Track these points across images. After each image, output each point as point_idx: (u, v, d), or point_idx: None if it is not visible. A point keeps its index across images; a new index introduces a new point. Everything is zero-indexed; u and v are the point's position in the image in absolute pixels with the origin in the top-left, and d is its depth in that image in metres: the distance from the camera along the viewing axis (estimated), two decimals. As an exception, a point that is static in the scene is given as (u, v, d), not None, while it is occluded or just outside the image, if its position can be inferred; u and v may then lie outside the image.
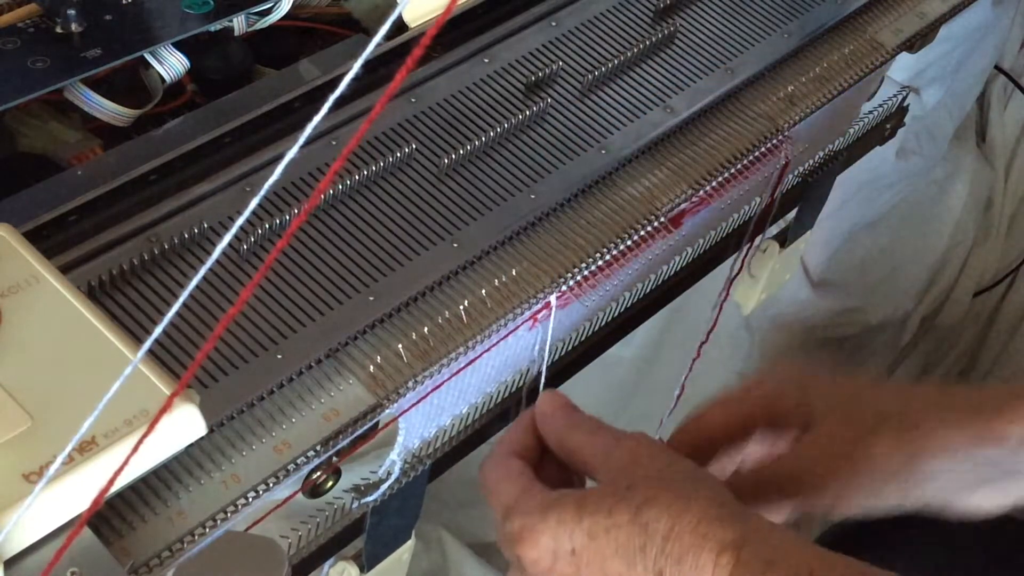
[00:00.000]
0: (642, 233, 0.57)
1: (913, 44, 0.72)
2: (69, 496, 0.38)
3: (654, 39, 0.64)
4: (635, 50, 0.63)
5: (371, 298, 0.51)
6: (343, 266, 0.52)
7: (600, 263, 0.56)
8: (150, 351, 0.35)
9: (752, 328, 1.23)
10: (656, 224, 0.58)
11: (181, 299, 0.32)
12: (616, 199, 0.58)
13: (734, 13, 0.68)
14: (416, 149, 0.57)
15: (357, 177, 0.55)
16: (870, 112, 0.81)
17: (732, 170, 0.62)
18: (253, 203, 0.30)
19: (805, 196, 0.80)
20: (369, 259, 0.52)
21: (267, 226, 0.52)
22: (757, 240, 0.78)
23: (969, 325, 1.47)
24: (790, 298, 1.21)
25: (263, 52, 0.63)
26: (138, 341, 0.44)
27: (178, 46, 0.58)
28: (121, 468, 0.35)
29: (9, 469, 0.37)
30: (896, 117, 0.85)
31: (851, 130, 0.78)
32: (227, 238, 0.30)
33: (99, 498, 0.34)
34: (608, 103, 0.61)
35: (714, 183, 0.61)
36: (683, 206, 0.60)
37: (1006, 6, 1.15)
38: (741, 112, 0.64)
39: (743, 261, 0.80)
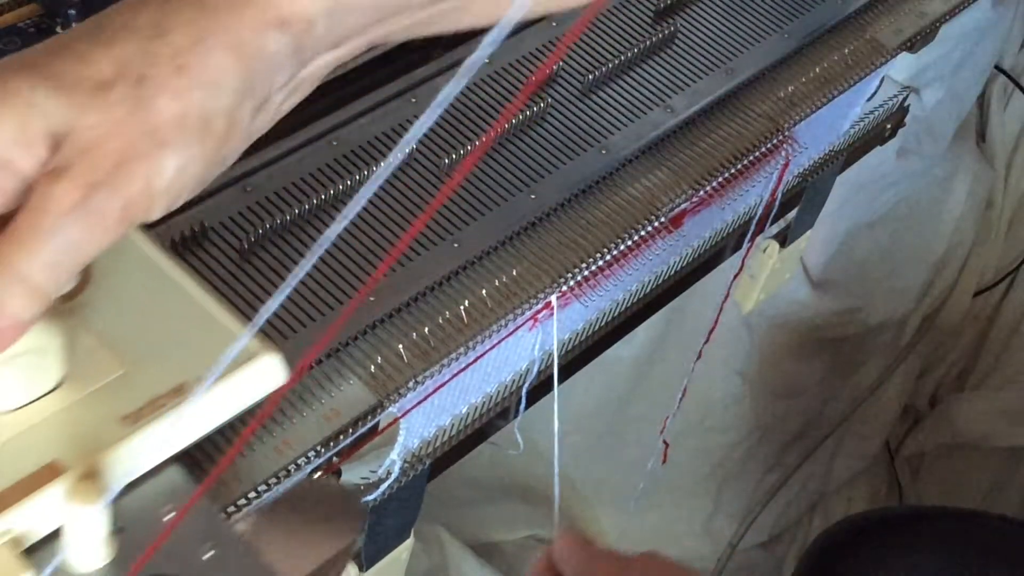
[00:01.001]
0: (642, 233, 0.57)
1: (913, 44, 0.72)
2: (163, 438, 0.40)
3: (654, 39, 0.64)
4: (635, 50, 0.63)
5: (371, 298, 0.51)
6: (343, 266, 0.52)
7: (600, 263, 0.56)
8: (230, 303, 0.42)
9: (752, 328, 1.23)
10: (656, 224, 0.58)
11: (305, 266, 0.34)
12: (616, 199, 0.58)
13: (734, 13, 0.68)
14: (416, 149, 0.57)
15: (357, 177, 0.55)
16: (871, 112, 0.81)
17: (732, 170, 0.62)
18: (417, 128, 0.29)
19: (805, 196, 0.80)
20: (369, 259, 0.52)
21: (267, 226, 0.52)
22: (757, 240, 0.78)
23: (969, 325, 1.47)
24: (790, 298, 1.21)
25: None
26: (217, 292, 0.46)
27: (178, 46, 0.58)
28: (205, 416, 0.39)
29: (106, 413, 0.40)
30: (896, 117, 0.85)
31: (852, 130, 0.78)
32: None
33: (194, 438, 0.38)
34: (608, 103, 0.61)
35: (714, 183, 0.61)
36: (683, 206, 0.60)
37: (1006, 6, 1.15)
38: (741, 112, 0.64)
39: (743, 261, 0.80)
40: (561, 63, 0.62)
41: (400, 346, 0.50)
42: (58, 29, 0.56)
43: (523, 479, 1.29)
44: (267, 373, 0.42)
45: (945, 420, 1.49)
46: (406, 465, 0.56)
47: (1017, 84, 1.26)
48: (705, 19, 0.67)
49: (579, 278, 0.55)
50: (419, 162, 0.57)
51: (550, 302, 0.56)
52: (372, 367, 0.49)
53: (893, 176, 1.18)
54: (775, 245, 0.84)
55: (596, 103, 0.61)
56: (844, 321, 1.29)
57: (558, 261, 0.55)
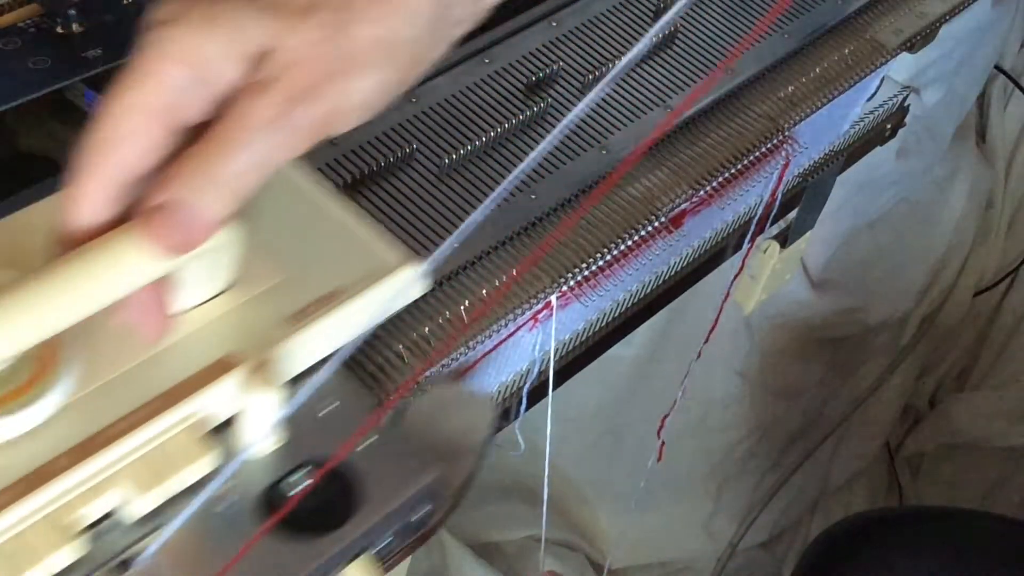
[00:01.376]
0: (642, 233, 0.57)
1: (913, 44, 0.72)
2: (323, 337, 0.44)
3: (654, 39, 0.64)
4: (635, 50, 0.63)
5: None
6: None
7: (600, 263, 0.56)
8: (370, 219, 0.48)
9: (752, 328, 1.23)
10: (656, 224, 0.58)
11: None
12: (616, 199, 0.58)
13: (734, 13, 0.68)
14: (416, 149, 0.57)
15: (359, 176, 0.55)
16: (871, 112, 0.81)
17: (732, 170, 0.62)
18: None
19: (805, 196, 0.80)
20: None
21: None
22: (758, 240, 0.78)
23: (969, 325, 1.47)
24: (790, 298, 1.21)
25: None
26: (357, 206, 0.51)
27: (179, 46, 0.58)
28: (358, 319, 0.44)
29: (272, 313, 0.44)
30: (896, 117, 0.85)
31: (852, 130, 0.78)
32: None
33: (349, 338, 0.43)
34: (608, 103, 0.61)
35: (714, 183, 0.61)
36: (683, 206, 0.60)
37: (1006, 6, 1.15)
38: (742, 112, 0.64)
39: (743, 261, 0.80)
40: (561, 63, 0.62)
41: (400, 346, 0.50)
42: (58, 29, 0.56)
43: (523, 479, 1.29)
44: (409, 283, 0.47)
45: (945, 420, 1.49)
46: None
47: (1017, 84, 1.27)
48: (705, 19, 0.67)
49: (579, 278, 0.55)
50: (419, 161, 0.57)
51: (550, 302, 0.56)
52: (372, 367, 0.49)
53: (893, 176, 1.18)
54: (775, 245, 0.84)
55: (596, 103, 0.61)
56: (844, 321, 1.29)
57: (558, 261, 0.55)
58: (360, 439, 0.43)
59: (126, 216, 0.37)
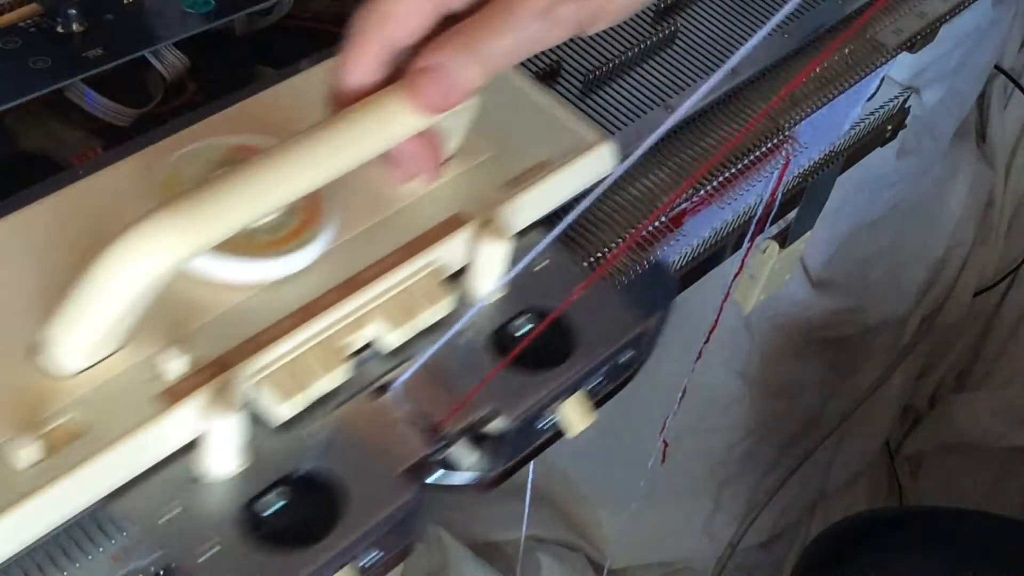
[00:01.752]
0: (643, 233, 0.57)
1: (913, 44, 0.72)
2: (535, 201, 0.51)
3: (655, 39, 0.64)
4: (636, 50, 0.63)
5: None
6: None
7: (601, 262, 0.56)
8: (573, 107, 0.57)
9: (752, 328, 1.23)
10: (656, 224, 0.58)
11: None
12: (617, 199, 0.58)
13: (734, 13, 0.68)
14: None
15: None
16: (871, 113, 0.81)
17: (732, 170, 0.62)
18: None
19: (805, 196, 0.80)
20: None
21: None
22: (757, 240, 0.78)
23: (969, 325, 1.47)
24: (790, 298, 1.21)
25: (264, 52, 0.63)
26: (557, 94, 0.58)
27: (179, 46, 0.58)
28: (561, 190, 0.52)
29: (491, 180, 0.51)
30: (897, 118, 0.85)
31: (852, 131, 0.78)
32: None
33: (555, 205, 0.52)
34: (609, 103, 0.61)
35: (714, 183, 0.61)
36: (683, 206, 0.60)
37: (1006, 6, 1.15)
38: (742, 112, 0.64)
39: (743, 261, 0.81)
40: (561, 63, 0.62)
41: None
42: (59, 29, 0.56)
43: (523, 479, 1.29)
44: (602, 160, 0.53)
45: (945, 420, 1.49)
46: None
47: (1017, 84, 1.27)
48: (705, 19, 0.67)
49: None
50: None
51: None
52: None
53: (893, 176, 1.18)
54: (775, 245, 0.84)
55: (597, 103, 0.61)
56: (844, 321, 1.29)
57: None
58: (577, 291, 0.49)
59: (389, 81, 0.43)
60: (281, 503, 0.42)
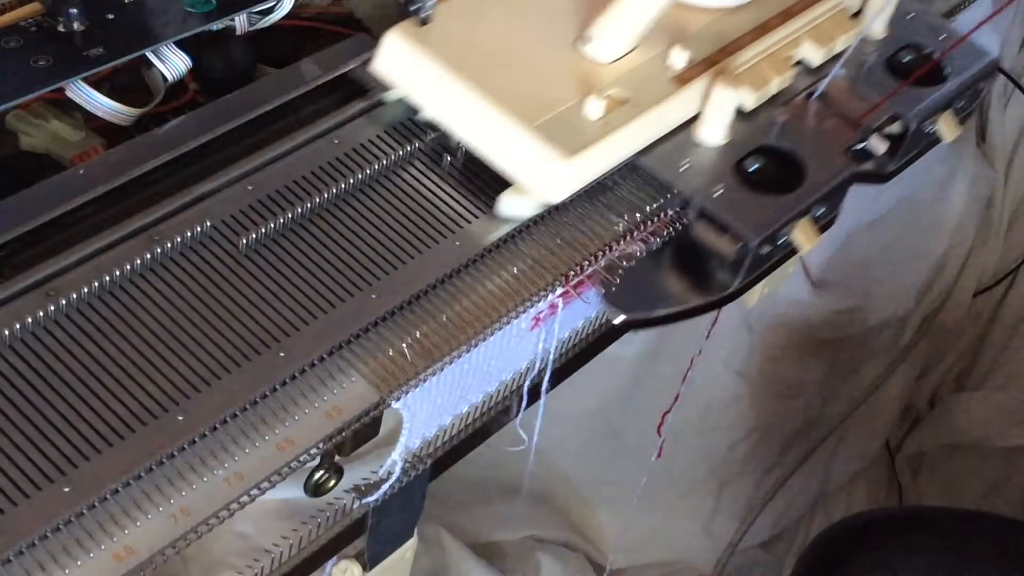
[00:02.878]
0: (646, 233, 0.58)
1: (914, 43, 0.73)
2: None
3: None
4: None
5: (374, 296, 0.51)
6: (346, 264, 0.52)
7: (602, 262, 0.56)
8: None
9: (752, 328, 1.23)
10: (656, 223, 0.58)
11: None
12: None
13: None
14: (419, 147, 0.57)
15: (360, 176, 0.55)
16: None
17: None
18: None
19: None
20: (372, 257, 0.52)
21: (271, 225, 0.52)
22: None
23: (969, 325, 1.47)
24: (790, 298, 1.22)
25: (265, 51, 0.63)
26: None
27: (180, 45, 0.58)
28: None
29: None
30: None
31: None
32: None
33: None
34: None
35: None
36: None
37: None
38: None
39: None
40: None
41: (403, 344, 0.50)
42: (60, 28, 0.56)
43: (523, 479, 1.29)
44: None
45: (945, 420, 1.49)
46: (407, 465, 0.56)
47: (1017, 84, 1.26)
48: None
49: (580, 277, 0.55)
50: (421, 160, 0.57)
51: (556, 304, 0.56)
52: (374, 364, 0.49)
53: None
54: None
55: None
56: (844, 321, 1.29)
57: (560, 259, 0.55)
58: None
59: None
60: (758, 164, 0.58)
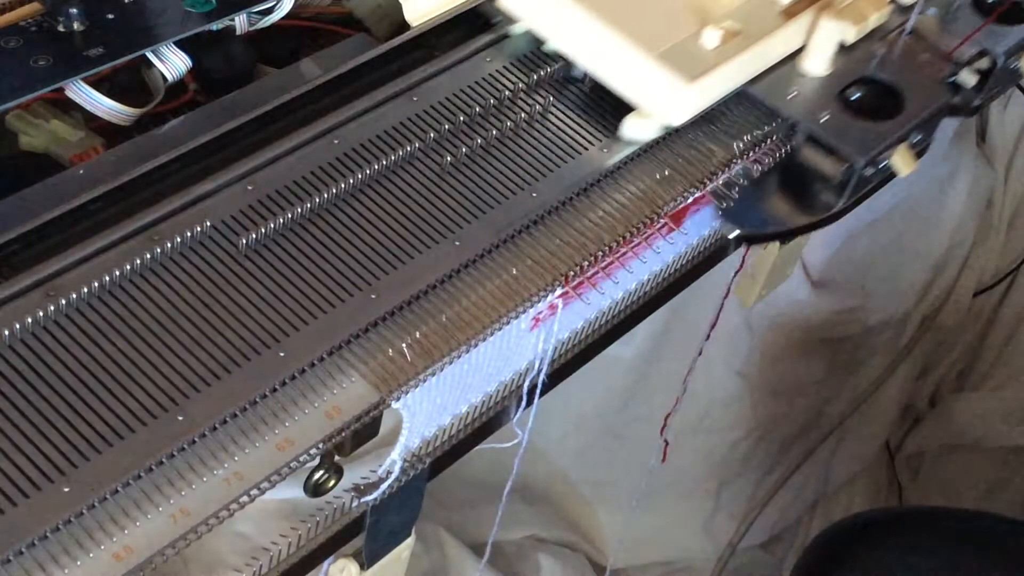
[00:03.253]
0: (644, 232, 0.57)
1: (915, 42, 0.73)
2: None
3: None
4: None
5: (373, 296, 0.51)
6: (346, 264, 0.52)
7: (601, 262, 0.56)
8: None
9: (752, 328, 1.23)
10: (657, 223, 0.58)
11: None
12: (618, 198, 0.58)
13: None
14: (418, 148, 0.57)
15: (360, 176, 0.55)
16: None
17: (733, 170, 0.62)
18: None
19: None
20: (371, 257, 0.52)
21: (271, 225, 0.52)
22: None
23: (969, 325, 1.47)
24: (790, 298, 1.21)
25: (265, 51, 0.63)
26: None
27: (180, 45, 0.58)
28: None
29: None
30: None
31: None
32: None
33: None
34: (609, 102, 0.61)
35: (715, 184, 0.61)
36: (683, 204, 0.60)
37: (1006, 6, 1.15)
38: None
39: (743, 259, 0.81)
40: (562, 62, 0.62)
41: (403, 344, 0.50)
42: (60, 28, 0.56)
43: (523, 479, 1.29)
44: None
45: (945, 420, 1.49)
46: (406, 464, 0.56)
47: (1017, 84, 1.26)
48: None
49: (580, 277, 0.55)
50: (421, 161, 0.57)
51: (555, 304, 0.56)
52: (374, 365, 0.49)
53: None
54: (774, 243, 0.84)
55: (597, 102, 0.61)
56: (844, 321, 1.29)
57: (560, 259, 0.55)
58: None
59: None
60: (859, 94, 0.63)
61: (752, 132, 0.61)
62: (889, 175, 0.65)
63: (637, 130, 0.60)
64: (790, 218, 0.64)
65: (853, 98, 0.63)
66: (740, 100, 0.62)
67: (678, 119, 0.59)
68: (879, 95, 0.64)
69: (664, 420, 0.92)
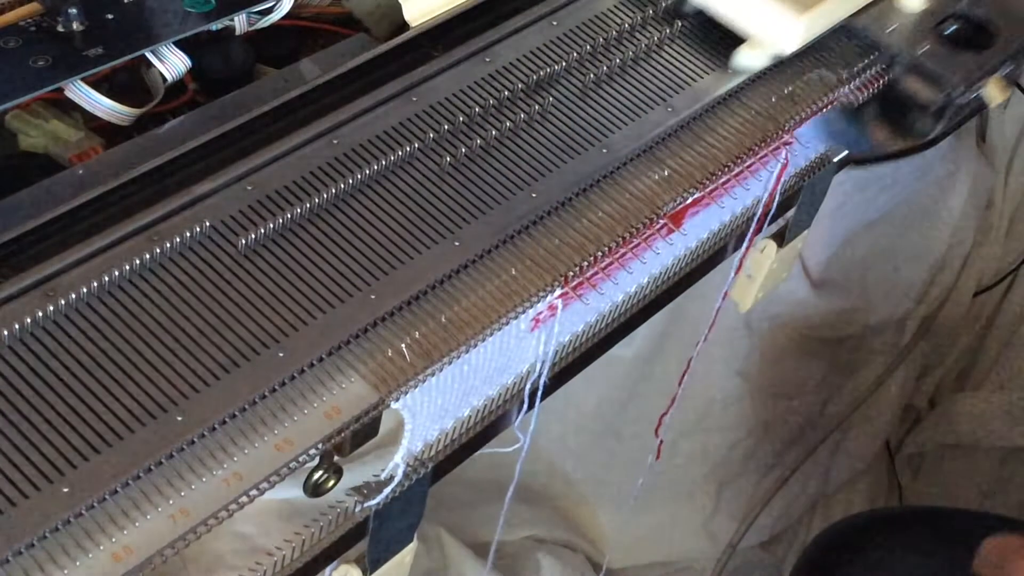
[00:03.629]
0: (644, 233, 0.57)
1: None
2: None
3: (656, 38, 0.64)
4: (635, 49, 0.63)
5: (373, 296, 0.51)
6: (345, 264, 0.52)
7: (601, 263, 0.56)
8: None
9: (752, 328, 1.23)
10: (657, 223, 0.58)
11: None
12: (618, 198, 0.58)
13: (735, 12, 0.69)
14: (418, 148, 0.57)
15: (359, 176, 0.55)
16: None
17: (733, 170, 0.62)
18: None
19: (802, 195, 0.80)
20: (371, 257, 0.52)
21: (270, 225, 0.52)
22: (755, 240, 0.78)
23: (969, 325, 1.47)
24: (789, 298, 1.21)
25: (264, 51, 0.63)
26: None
27: (179, 45, 0.58)
28: None
29: None
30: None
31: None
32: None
33: None
34: (609, 102, 0.61)
35: (715, 183, 0.61)
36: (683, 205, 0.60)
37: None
38: (742, 112, 0.64)
39: (740, 261, 0.80)
40: (562, 62, 0.62)
41: (402, 345, 0.50)
42: (59, 28, 0.56)
43: (523, 479, 1.29)
44: None
45: (945, 420, 1.49)
46: (409, 469, 0.56)
47: (1017, 84, 1.27)
48: (706, 19, 0.67)
49: (580, 278, 0.55)
50: (421, 161, 0.57)
51: (555, 305, 0.56)
52: (373, 365, 0.49)
53: (893, 176, 1.18)
54: (772, 245, 0.84)
55: (597, 102, 0.61)
56: (844, 321, 1.29)
57: (559, 260, 0.55)
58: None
59: None
60: (954, 27, 0.68)
61: (856, 63, 0.66)
62: (979, 105, 0.70)
63: (749, 59, 0.65)
64: (890, 142, 0.69)
65: (947, 32, 0.68)
66: (845, 33, 0.67)
67: (791, 46, 0.65)
68: (972, 29, 0.69)
69: (659, 420, 0.91)
